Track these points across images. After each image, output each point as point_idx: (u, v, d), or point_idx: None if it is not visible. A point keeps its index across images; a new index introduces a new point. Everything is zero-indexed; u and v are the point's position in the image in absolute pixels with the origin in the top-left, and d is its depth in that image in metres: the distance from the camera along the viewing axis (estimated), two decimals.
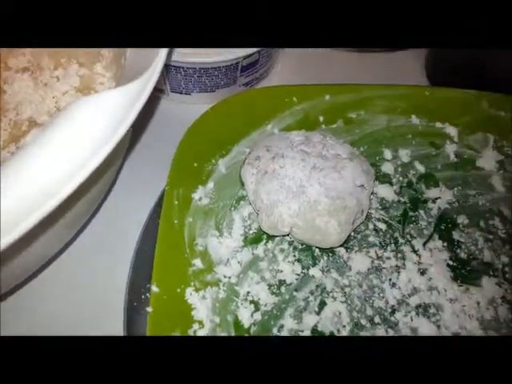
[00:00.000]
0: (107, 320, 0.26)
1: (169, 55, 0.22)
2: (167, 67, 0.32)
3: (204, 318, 0.24)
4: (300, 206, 0.25)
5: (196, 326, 0.23)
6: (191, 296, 0.24)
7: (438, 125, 0.31)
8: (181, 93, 0.35)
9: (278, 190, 0.25)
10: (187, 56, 0.31)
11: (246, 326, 0.24)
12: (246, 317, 0.24)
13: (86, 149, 0.19)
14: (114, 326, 0.26)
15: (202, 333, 0.23)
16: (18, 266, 0.23)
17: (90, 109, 0.19)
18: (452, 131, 0.31)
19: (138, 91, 0.20)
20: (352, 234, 0.28)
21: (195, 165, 0.28)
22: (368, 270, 0.27)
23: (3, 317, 0.26)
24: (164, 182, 0.27)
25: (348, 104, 0.31)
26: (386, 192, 0.29)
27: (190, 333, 0.23)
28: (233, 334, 0.24)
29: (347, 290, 0.26)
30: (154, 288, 0.23)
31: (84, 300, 0.27)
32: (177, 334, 0.23)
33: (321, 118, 0.31)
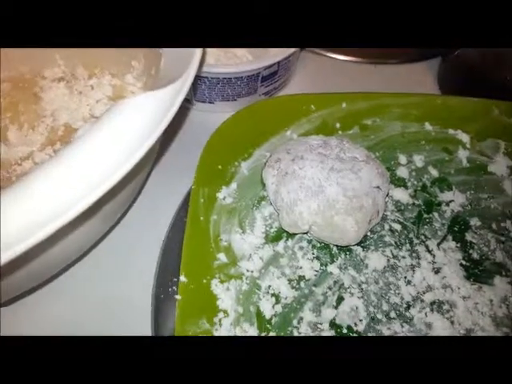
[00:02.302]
0: (134, 315, 0.28)
1: (200, 66, 0.25)
2: None
3: (228, 307, 0.26)
4: (319, 204, 0.27)
5: (221, 314, 0.25)
6: (216, 287, 0.26)
7: (451, 131, 0.34)
8: (204, 102, 0.37)
9: (297, 189, 0.28)
10: (212, 67, 0.34)
11: (268, 317, 0.26)
12: (268, 308, 0.26)
13: (125, 148, 0.21)
14: (140, 320, 0.28)
15: (226, 321, 0.25)
16: (57, 256, 0.25)
17: (129, 111, 0.22)
18: (464, 138, 0.33)
19: (173, 96, 0.23)
20: (368, 234, 0.30)
21: (219, 167, 0.31)
22: (384, 268, 0.29)
23: (30, 312, 0.29)
24: (190, 184, 0.30)
25: (363, 111, 0.33)
26: (401, 195, 0.31)
27: (216, 320, 0.25)
28: (255, 324, 0.26)
29: (364, 286, 0.28)
30: (182, 278, 0.26)
31: (112, 294, 0.30)
32: (203, 321, 0.25)
33: (337, 125, 0.33)
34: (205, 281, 0.26)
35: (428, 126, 0.34)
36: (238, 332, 0.25)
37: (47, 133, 0.33)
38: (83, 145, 0.21)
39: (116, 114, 0.22)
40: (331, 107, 0.33)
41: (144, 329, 0.27)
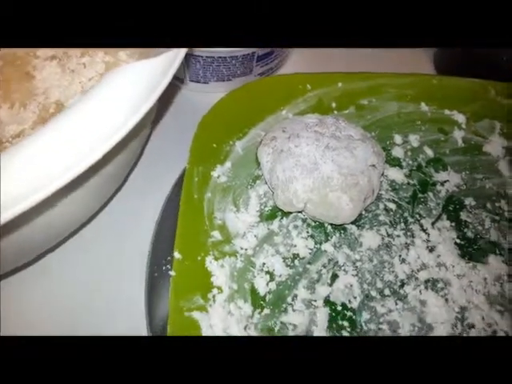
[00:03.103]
0: (127, 293, 0.28)
1: None
2: (187, 56, 0.35)
3: (223, 284, 0.26)
4: (314, 181, 0.27)
5: (215, 290, 0.26)
6: (211, 264, 0.26)
7: (447, 112, 0.34)
8: (199, 81, 0.37)
9: (293, 167, 0.28)
10: None
11: (262, 294, 0.27)
12: (262, 286, 0.27)
13: (118, 115, 0.21)
14: (134, 299, 0.28)
15: (220, 297, 0.26)
16: (45, 230, 0.25)
17: (121, 78, 0.22)
18: (460, 118, 0.34)
19: (166, 65, 0.23)
20: (363, 213, 0.30)
21: (214, 145, 0.31)
22: (378, 246, 0.29)
23: (17, 291, 0.29)
24: (184, 163, 0.30)
25: (360, 91, 0.34)
26: (396, 174, 0.32)
27: (210, 297, 0.25)
28: (249, 301, 0.26)
29: (358, 264, 0.28)
30: (177, 255, 0.26)
31: (104, 273, 0.30)
32: (198, 297, 0.25)
33: (333, 105, 0.33)
34: (199, 258, 0.27)
35: (424, 107, 0.34)
36: (233, 308, 0.26)
37: (39, 111, 0.33)
38: (75, 112, 0.21)
39: (108, 81, 0.22)
40: (327, 87, 0.33)
41: (137, 308, 0.28)
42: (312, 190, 0.27)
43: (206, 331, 0.24)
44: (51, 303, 0.29)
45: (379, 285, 0.28)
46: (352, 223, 0.29)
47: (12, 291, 0.29)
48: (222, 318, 0.25)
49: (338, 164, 0.28)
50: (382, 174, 0.31)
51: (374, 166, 0.29)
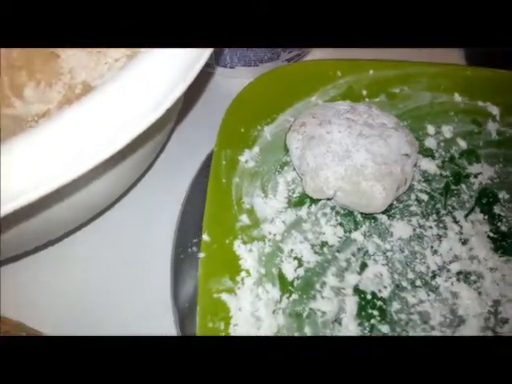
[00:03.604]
0: (154, 272, 0.28)
1: None
2: None
3: (251, 268, 0.26)
4: (346, 169, 0.27)
5: (244, 274, 0.26)
6: (239, 248, 0.26)
7: (480, 104, 0.33)
8: (225, 66, 0.37)
9: (324, 153, 0.28)
10: None
11: (290, 279, 0.26)
12: (290, 271, 0.27)
13: (155, 94, 0.21)
14: (160, 281, 0.28)
15: (249, 281, 0.25)
16: (71, 210, 0.25)
17: (155, 59, 0.22)
18: (494, 110, 0.33)
19: (198, 53, 0.23)
20: (394, 203, 0.30)
21: (242, 130, 0.31)
22: (410, 236, 0.29)
23: (39, 272, 0.29)
24: (211, 146, 0.30)
25: (391, 79, 0.33)
26: (429, 165, 0.31)
27: (238, 279, 0.25)
28: (277, 286, 0.26)
29: (389, 254, 0.28)
30: (205, 237, 0.26)
31: (129, 255, 0.30)
32: (226, 279, 0.25)
33: (364, 92, 0.33)
34: (227, 241, 0.26)
35: (457, 97, 0.33)
36: (261, 292, 0.25)
37: (64, 91, 0.33)
38: (104, 92, 0.21)
39: (141, 62, 0.22)
40: (358, 74, 0.33)
41: (162, 290, 0.28)
42: (343, 178, 0.27)
43: (234, 313, 0.24)
44: (75, 285, 0.29)
45: (410, 275, 0.27)
46: (382, 213, 0.29)
47: (35, 273, 0.29)
48: (251, 301, 0.25)
49: (371, 152, 0.27)
50: (415, 165, 0.30)
51: (407, 155, 0.29)
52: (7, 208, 0.18)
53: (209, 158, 0.32)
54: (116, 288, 0.29)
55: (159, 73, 0.22)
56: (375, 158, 0.27)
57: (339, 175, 0.27)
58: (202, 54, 0.24)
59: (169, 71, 0.22)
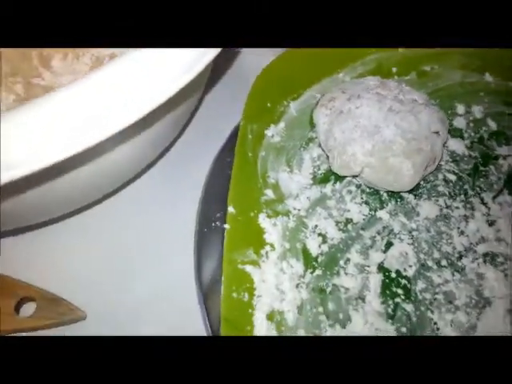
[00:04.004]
0: (178, 244, 0.29)
1: None
2: None
3: (275, 242, 0.26)
4: (374, 145, 0.27)
5: (268, 247, 0.26)
6: (263, 221, 0.27)
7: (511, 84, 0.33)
8: None
9: (352, 128, 0.27)
10: None
11: (314, 255, 0.27)
12: (314, 247, 0.27)
13: (183, 62, 0.21)
14: (183, 254, 0.28)
15: (273, 255, 0.26)
16: (93, 179, 0.26)
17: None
18: None
19: None
20: (421, 182, 0.29)
21: (268, 105, 0.30)
22: (436, 216, 0.28)
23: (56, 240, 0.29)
24: (234, 123, 0.30)
25: (422, 57, 0.33)
26: (457, 145, 0.31)
27: (263, 253, 0.26)
28: (301, 261, 0.26)
29: (415, 233, 0.28)
30: (231, 209, 0.26)
31: (154, 226, 0.30)
32: (251, 251, 0.25)
33: (394, 69, 0.33)
34: (252, 214, 0.27)
35: (488, 77, 0.33)
36: (285, 266, 0.26)
37: (92, 63, 0.33)
38: (137, 58, 0.21)
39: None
40: (388, 51, 0.33)
41: (186, 262, 0.28)
42: (372, 154, 0.27)
43: (258, 285, 0.24)
44: (101, 253, 0.29)
45: (436, 255, 0.27)
46: (409, 192, 0.29)
47: (60, 241, 0.30)
48: (275, 274, 0.25)
49: (401, 128, 0.27)
50: (444, 144, 0.30)
51: (437, 133, 0.28)
52: (43, 164, 0.18)
53: (233, 134, 0.32)
54: (140, 259, 0.29)
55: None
56: (405, 134, 0.27)
57: (367, 151, 0.27)
58: None
59: None
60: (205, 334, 0.26)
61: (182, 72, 0.21)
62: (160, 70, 0.21)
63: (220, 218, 0.29)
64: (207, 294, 0.27)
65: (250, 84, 0.31)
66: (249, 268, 0.25)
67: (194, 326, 0.26)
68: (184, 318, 0.27)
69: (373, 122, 0.27)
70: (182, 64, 0.21)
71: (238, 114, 0.32)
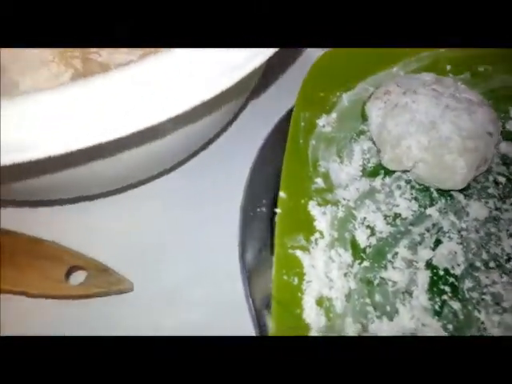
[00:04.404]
0: (222, 228, 0.29)
1: None
2: None
3: (324, 230, 0.26)
4: (430, 140, 0.27)
5: (317, 235, 0.26)
6: (313, 208, 0.27)
7: None
8: None
9: (408, 122, 0.27)
10: None
11: (362, 246, 0.27)
12: (363, 239, 0.27)
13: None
14: (228, 238, 0.28)
15: (322, 242, 0.26)
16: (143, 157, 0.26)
17: None
18: None
19: None
20: (472, 183, 0.29)
21: (321, 94, 0.30)
22: (485, 218, 0.28)
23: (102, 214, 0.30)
24: (282, 111, 0.31)
25: (478, 57, 0.32)
26: (509, 149, 0.31)
27: (312, 239, 0.26)
28: (350, 251, 0.26)
29: (464, 233, 0.28)
30: (282, 194, 0.26)
31: (200, 208, 0.30)
32: (301, 237, 0.25)
33: (448, 67, 0.32)
34: (303, 201, 0.27)
35: None
36: (333, 255, 0.26)
37: (142, 50, 0.34)
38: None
39: None
40: (443, 48, 0.33)
41: (230, 245, 0.28)
42: (427, 149, 0.27)
43: (308, 270, 0.24)
44: (149, 232, 0.30)
45: (485, 256, 0.27)
46: (459, 191, 0.29)
47: (115, 212, 0.30)
48: (324, 261, 0.25)
49: (457, 126, 0.27)
50: (496, 145, 0.30)
51: (490, 134, 0.28)
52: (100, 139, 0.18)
53: (280, 121, 0.33)
54: (187, 239, 0.29)
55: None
56: (461, 132, 0.27)
57: (422, 146, 0.27)
58: None
59: None
60: (247, 314, 0.26)
61: (235, 66, 0.21)
62: (218, 60, 0.21)
63: (265, 204, 0.29)
64: (251, 277, 0.27)
65: (296, 74, 0.31)
66: (299, 253, 0.25)
67: (236, 306, 0.26)
68: (227, 299, 0.27)
69: (429, 117, 0.27)
70: (237, 59, 0.21)
71: (284, 103, 0.32)
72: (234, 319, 0.26)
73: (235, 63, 0.21)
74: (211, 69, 0.20)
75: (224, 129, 0.33)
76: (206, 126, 0.28)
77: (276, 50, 0.22)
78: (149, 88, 0.20)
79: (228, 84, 0.20)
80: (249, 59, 0.21)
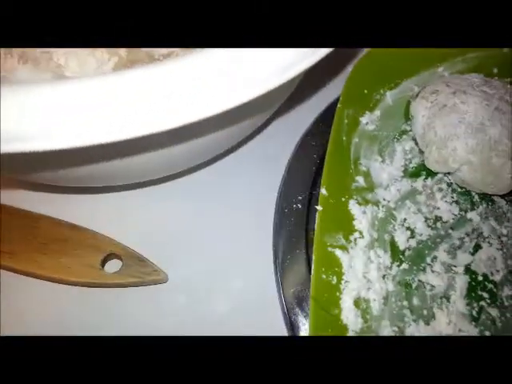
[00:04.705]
0: (258, 223, 0.29)
1: None
2: None
3: (364, 230, 0.26)
4: (478, 143, 0.26)
5: (357, 234, 0.26)
6: (354, 207, 0.26)
7: None
8: None
9: (456, 124, 0.27)
10: None
11: (401, 248, 0.26)
12: (402, 240, 0.26)
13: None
14: (264, 229, 0.29)
15: (362, 242, 0.25)
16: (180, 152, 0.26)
17: None
18: None
19: None
20: None
21: (365, 91, 0.30)
22: None
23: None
24: (320, 108, 0.31)
25: None
26: None
27: (352, 239, 0.25)
28: (389, 253, 0.26)
29: (504, 239, 0.27)
30: (323, 191, 0.26)
31: (237, 201, 0.31)
32: (340, 236, 0.25)
33: (495, 70, 0.32)
34: (343, 199, 0.27)
35: None
36: (372, 255, 0.25)
37: None
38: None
39: None
40: (491, 50, 0.32)
41: (265, 241, 0.28)
42: (474, 152, 0.26)
43: (346, 270, 0.24)
44: (186, 221, 0.30)
45: None
46: (501, 196, 0.28)
47: (152, 202, 0.31)
48: (363, 262, 0.25)
49: (507, 129, 0.26)
50: None
51: None
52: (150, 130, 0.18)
53: (318, 118, 0.32)
54: (218, 237, 0.29)
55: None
56: (510, 135, 0.26)
57: (470, 148, 0.26)
58: None
59: None
60: (279, 312, 0.26)
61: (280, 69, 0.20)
62: (269, 59, 0.20)
63: (301, 200, 0.29)
64: (284, 271, 0.27)
65: (335, 72, 0.31)
66: (338, 252, 0.25)
67: (268, 301, 0.27)
68: (259, 293, 0.28)
69: (479, 119, 0.27)
70: (281, 62, 0.20)
71: (321, 101, 0.32)
72: (265, 316, 0.27)
73: (286, 63, 0.20)
74: (261, 68, 0.20)
75: (262, 126, 0.32)
76: (246, 124, 0.28)
77: (330, 50, 0.21)
78: (197, 83, 0.20)
79: (276, 84, 0.20)
80: (297, 60, 0.21)
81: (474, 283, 0.26)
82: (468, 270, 0.26)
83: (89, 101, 0.19)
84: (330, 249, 0.25)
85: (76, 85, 0.19)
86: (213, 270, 0.28)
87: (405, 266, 0.26)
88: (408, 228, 0.27)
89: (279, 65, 0.20)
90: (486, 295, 0.26)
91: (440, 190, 0.29)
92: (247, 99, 0.19)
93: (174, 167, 0.28)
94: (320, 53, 0.21)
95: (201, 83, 0.19)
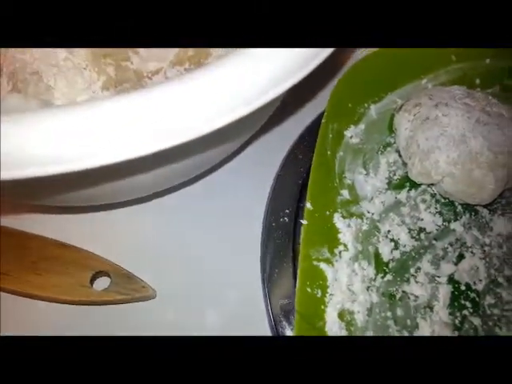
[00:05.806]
0: (246, 235, 0.30)
1: None
2: None
3: (349, 243, 0.26)
4: (460, 155, 0.27)
5: (341, 247, 0.26)
6: (338, 221, 0.27)
7: None
8: None
9: (438, 136, 0.27)
10: None
11: (385, 259, 0.27)
12: (386, 252, 0.27)
13: (268, 78, 0.21)
14: (252, 242, 0.29)
15: (346, 255, 0.26)
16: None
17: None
18: None
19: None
20: (496, 198, 0.29)
21: (349, 105, 0.31)
22: (509, 233, 0.28)
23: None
24: (307, 121, 0.32)
25: (508, 70, 0.32)
26: None
27: (336, 252, 0.26)
28: (373, 264, 0.27)
29: (487, 248, 0.28)
30: (308, 205, 0.26)
31: (224, 216, 0.31)
32: (325, 250, 0.26)
33: (477, 81, 0.32)
34: (328, 213, 0.27)
35: None
36: (357, 268, 0.26)
37: (177, 50, 0.34)
38: (224, 65, 0.20)
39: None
40: (473, 61, 0.32)
41: (252, 253, 0.29)
42: (456, 164, 0.27)
43: (331, 283, 0.25)
44: (174, 236, 0.31)
45: (507, 272, 0.27)
46: (484, 206, 0.29)
47: (141, 219, 0.31)
48: (347, 274, 0.25)
49: (488, 140, 0.27)
50: None
51: None
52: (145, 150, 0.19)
53: (305, 132, 0.33)
54: (207, 252, 0.30)
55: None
56: (492, 147, 0.27)
57: (452, 160, 0.27)
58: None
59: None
60: (266, 325, 0.27)
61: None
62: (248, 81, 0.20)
63: (288, 213, 0.30)
64: (271, 285, 0.28)
65: (321, 86, 0.31)
66: (323, 265, 0.25)
67: (255, 314, 0.27)
68: (247, 306, 0.28)
69: (460, 131, 0.27)
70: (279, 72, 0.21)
71: (308, 114, 0.33)
72: (253, 330, 0.27)
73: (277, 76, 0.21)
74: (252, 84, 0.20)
75: (249, 141, 0.33)
76: (235, 137, 0.29)
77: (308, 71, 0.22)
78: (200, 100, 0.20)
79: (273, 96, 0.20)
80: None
81: (456, 293, 0.26)
82: (451, 279, 0.27)
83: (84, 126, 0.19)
84: (315, 262, 0.25)
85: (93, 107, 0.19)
86: (200, 284, 0.29)
87: (389, 277, 0.26)
88: (392, 240, 0.28)
89: (255, 89, 0.20)
90: (468, 304, 0.26)
91: (424, 200, 0.29)
92: (232, 119, 0.20)
93: (160, 185, 0.29)
94: (299, 75, 0.22)
95: (182, 109, 0.20)
